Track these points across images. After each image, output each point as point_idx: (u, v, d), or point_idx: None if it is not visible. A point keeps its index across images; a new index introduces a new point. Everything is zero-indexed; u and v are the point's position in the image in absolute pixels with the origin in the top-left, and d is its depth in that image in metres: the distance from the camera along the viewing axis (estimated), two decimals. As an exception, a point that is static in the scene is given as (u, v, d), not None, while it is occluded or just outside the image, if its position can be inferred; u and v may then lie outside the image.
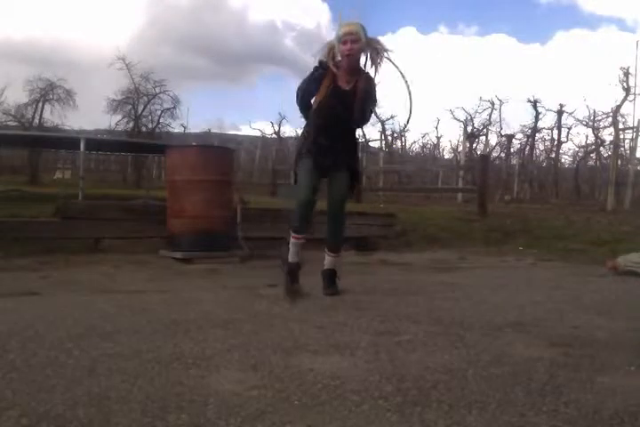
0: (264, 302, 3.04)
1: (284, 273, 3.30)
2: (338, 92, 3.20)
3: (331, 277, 3.37)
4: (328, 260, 3.40)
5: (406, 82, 3.21)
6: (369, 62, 3.20)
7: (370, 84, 3.20)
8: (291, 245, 3.30)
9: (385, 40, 3.23)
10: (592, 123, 20.28)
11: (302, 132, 3.55)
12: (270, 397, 1.60)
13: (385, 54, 3.17)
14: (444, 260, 5.39)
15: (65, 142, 10.49)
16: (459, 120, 22.76)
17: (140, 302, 2.94)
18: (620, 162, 15.71)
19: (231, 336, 2.25)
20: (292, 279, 3.27)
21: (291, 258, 3.30)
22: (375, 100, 3.29)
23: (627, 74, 16.36)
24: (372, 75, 3.23)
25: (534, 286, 3.90)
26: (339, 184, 3.34)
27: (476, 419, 1.48)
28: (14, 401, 1.51)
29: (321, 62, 3.16)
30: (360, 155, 3.72)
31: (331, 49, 3.16)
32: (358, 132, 3.44)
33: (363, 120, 3.30)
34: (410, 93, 3.25)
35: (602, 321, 2.73)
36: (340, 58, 3.15)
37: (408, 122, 3.62)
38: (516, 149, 23.46)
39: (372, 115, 3.42)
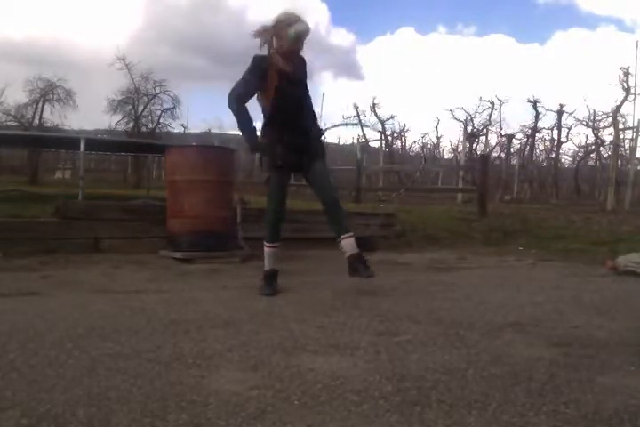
0: (264, 301, 3.05)
1: (262, 279, 3.36)
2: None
3: (360, 261, 3.26)
4: (345, 244, 3.29)
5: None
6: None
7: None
8: (265, 255, 3.39)
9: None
10: (592, 123, 20.30)
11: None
12: (270, 397, 1.60)
13: None
14: (443, 260, 5.39)
15: (65, 142, 10.47)
16: (459, 120, 22.79)
17: (139, 302, 2.94)
18: (620, 162, 15.71)
19: (231, 336, 2.25)
20: (269, 284, 3.33)
21: (267, 266, 3.38)
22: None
23: (627, 74, 16.36)
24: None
25: (534, 286, 3.90)
26: (320, 175, 3.37)
27: (476, 419, 1.48)
28: (14, 401, 1.51)
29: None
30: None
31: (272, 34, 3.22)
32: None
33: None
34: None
35: (602, 321, 2.73)
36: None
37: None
38: (515, 149, 23.47)
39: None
